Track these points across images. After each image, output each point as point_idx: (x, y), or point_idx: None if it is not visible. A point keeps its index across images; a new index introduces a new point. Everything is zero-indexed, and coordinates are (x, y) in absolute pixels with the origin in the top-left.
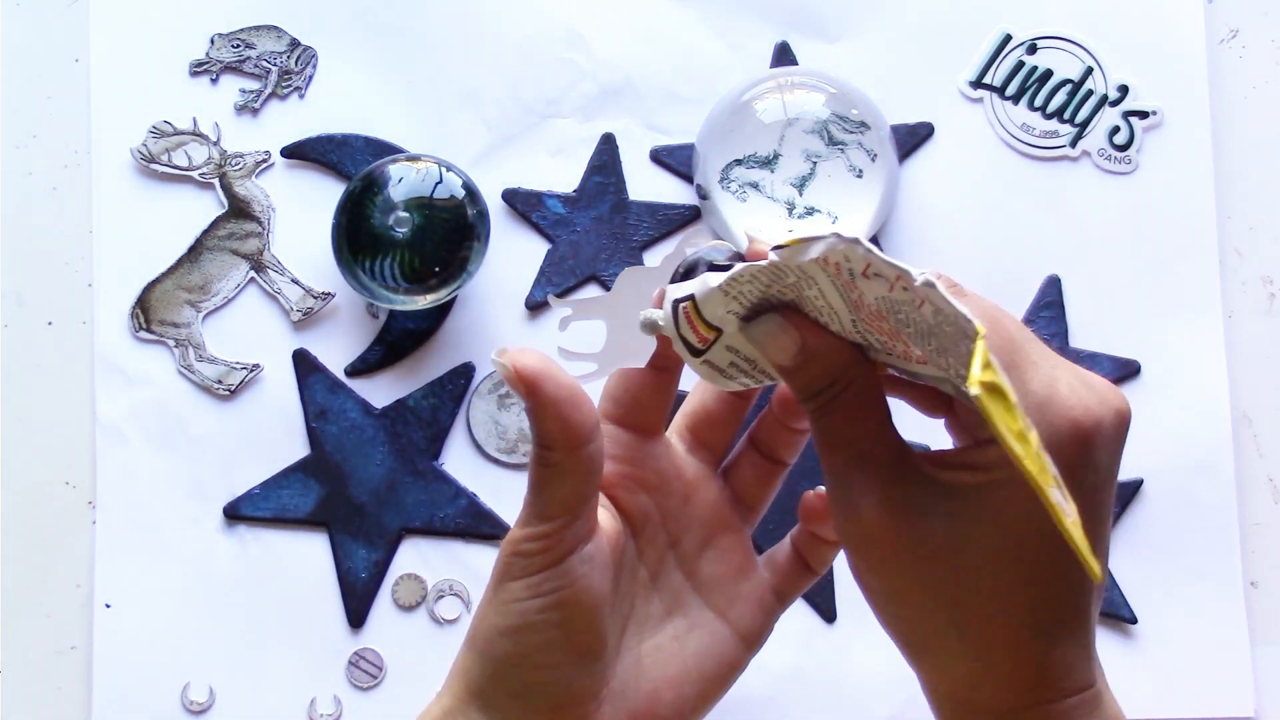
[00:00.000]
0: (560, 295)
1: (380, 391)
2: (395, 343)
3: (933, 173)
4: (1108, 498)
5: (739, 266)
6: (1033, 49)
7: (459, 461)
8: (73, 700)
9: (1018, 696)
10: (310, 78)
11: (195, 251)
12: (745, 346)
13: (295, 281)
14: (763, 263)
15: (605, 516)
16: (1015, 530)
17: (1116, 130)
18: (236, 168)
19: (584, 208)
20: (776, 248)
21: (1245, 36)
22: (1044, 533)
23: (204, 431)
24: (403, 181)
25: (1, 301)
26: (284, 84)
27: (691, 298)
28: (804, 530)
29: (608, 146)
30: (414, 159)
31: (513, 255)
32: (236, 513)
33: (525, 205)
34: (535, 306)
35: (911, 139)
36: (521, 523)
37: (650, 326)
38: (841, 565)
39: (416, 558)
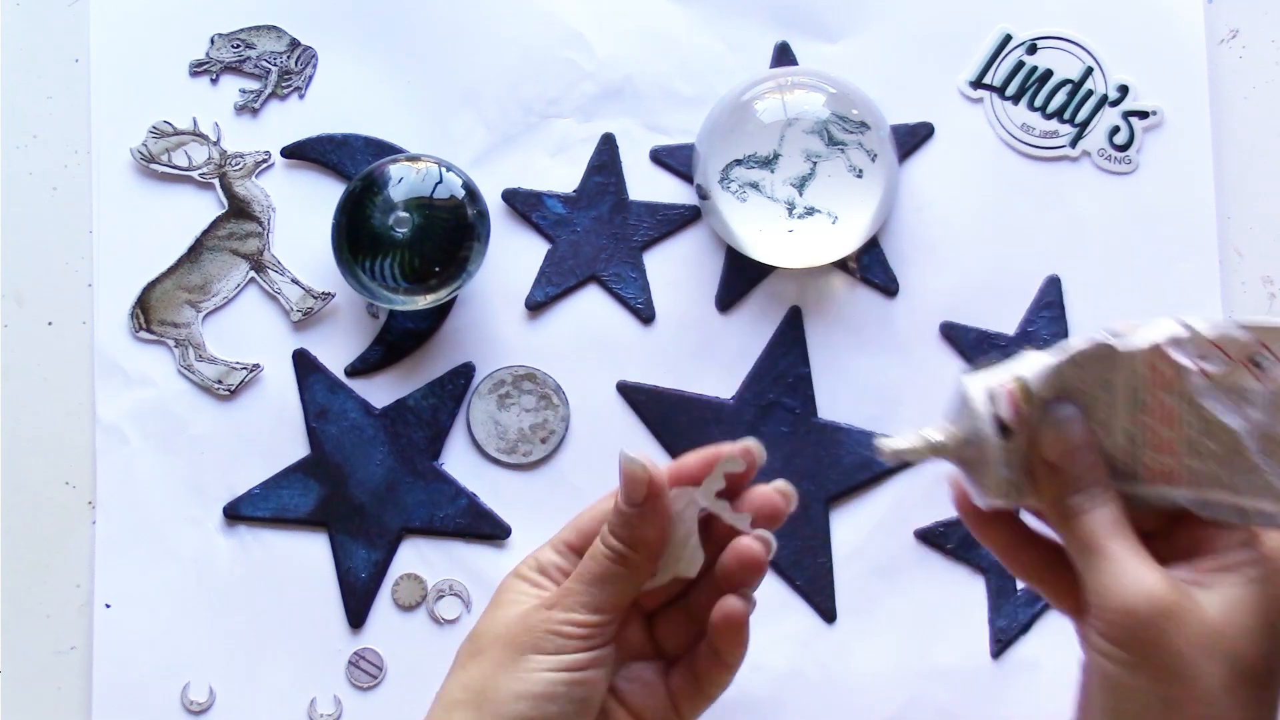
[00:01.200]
0: (551, 297)
1: (380, 391)
2: (395, 343)
3: (933, 173)
4: None
5: (1077, 346)
6: (1033, 49)
7: (459, 461)
8: (73, 700)
9: None
10: (310, 78)
11: (195, 251)
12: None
13: (295, 281)
14: (1098, 345)
15: None
16: None
17: (1116, 130)
18: (236, 168)
19: (584, 208)
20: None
21: (1245, 36)
22: None
23: (204, 431)
24: (403, 181)
25: (1, 301)
26: (284, 84)
27: (1020, 379)
28: (709, 647)
29: (607, 146)
30: (414, 159)
31: (513, 255)
32: (236, 513)
33: (525, 205)
34: (535, 306)
35: (911, 139)
36: (568, 607)
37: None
38: (842, 565)
39: (416, 558)
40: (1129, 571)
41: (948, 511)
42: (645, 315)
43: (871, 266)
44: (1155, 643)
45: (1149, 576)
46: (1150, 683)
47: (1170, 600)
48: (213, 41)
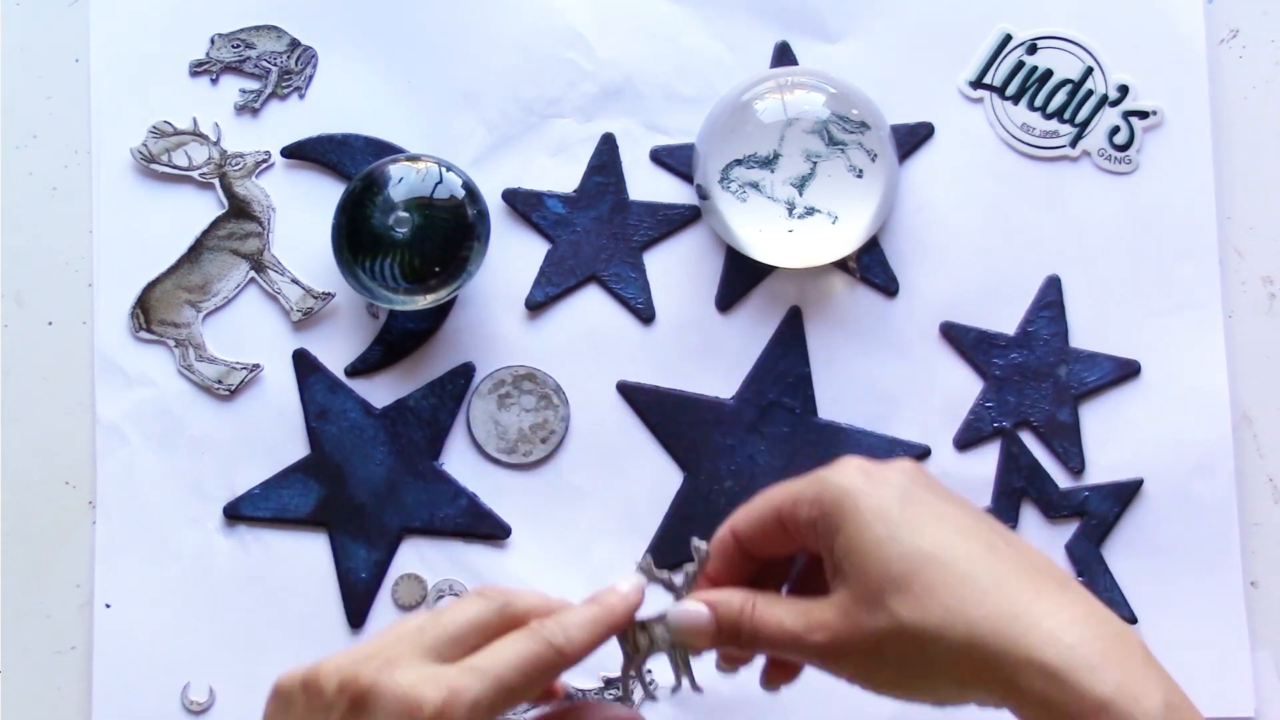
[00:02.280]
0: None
1: (380, 391)
2: (395, 343)
3: (933, 173)
4: None
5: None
6: (1033, 49)
7: (459, 461)
8: (73, 700)
9: None
10: (310, 78)
11: (195, 251)
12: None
13: (295, 281)
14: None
15: None
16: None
17: (1116, 130)
18: (236, 168)
19: (584, 208)
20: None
21: (1245, 36)
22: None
23: (204, 431)
24: (403, 181)
25: (1, 301)
26: (284, 84)
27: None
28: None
29: (607, 146)
30: (414, 159)
31: (513, 255)
32: (236, 513)
33: (525, 205)
34: (535, 306)
35: (911, 139)
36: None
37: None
38: None
39: (416, 558)
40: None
41: None
42: (645, 315)
43: (871, 266)
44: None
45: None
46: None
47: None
48: (213, 41)
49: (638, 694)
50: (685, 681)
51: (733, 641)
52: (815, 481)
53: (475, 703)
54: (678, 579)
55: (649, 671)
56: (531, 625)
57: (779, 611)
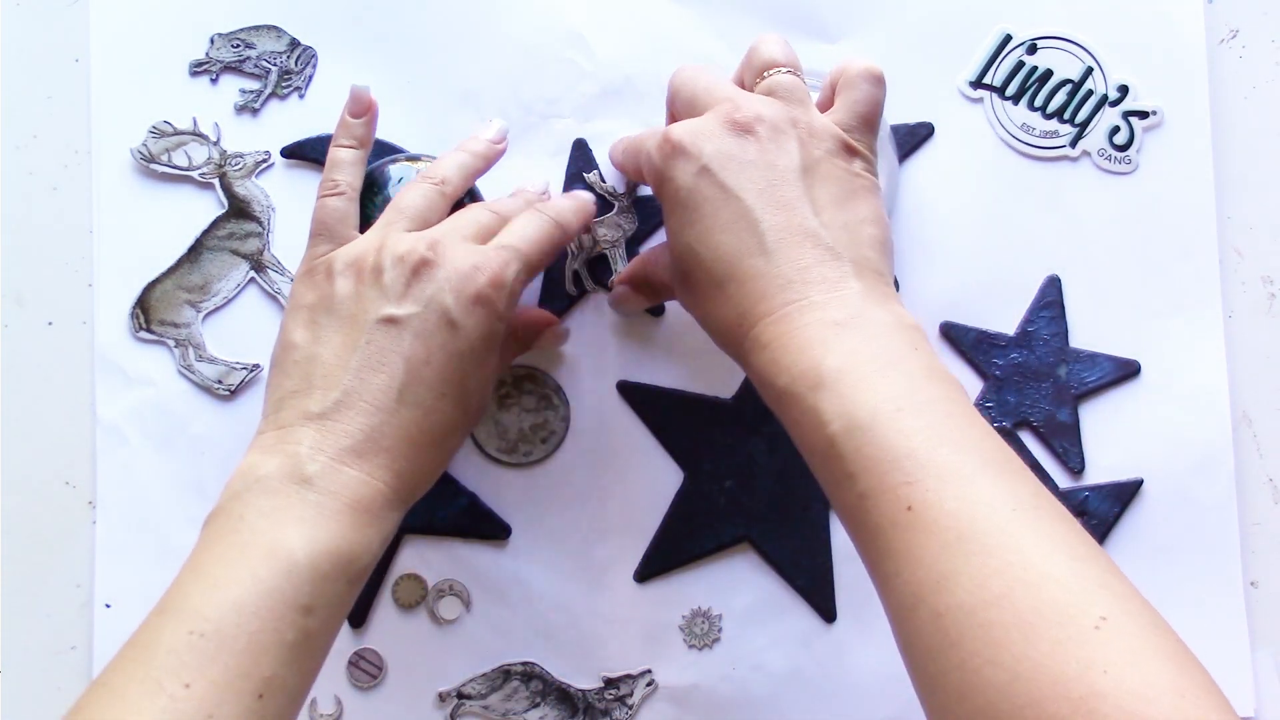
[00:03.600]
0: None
1: None
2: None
3: (933, 173)
4: None
5: None
6: (1033, 49)
7: (459, 461)
8: (73, 700)
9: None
10: (310, 78)
11: (195, 251)
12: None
13: None
14: None
15: None
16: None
17: (1116, 130)
18: (236, 168)
19: None
20: None
21: (1245, 36)
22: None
23: (204, 431)
24: (402, 181)
25: (1, 301)
26: (284, 84)
27: None
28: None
29: (580, 153)
30: (414, 159)
31: None
32: None
33: None
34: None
35: (911, 139)
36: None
37: None
38: (842, 565)
39: (416, 558)
40: None
41: None
42: (654, 310)
43: None
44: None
45: None
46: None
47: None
48: (213, 41)
49: (587, 284)
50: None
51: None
52: (655, 146)
53: (517, 273)
54: (620, 188)
55: (649, 672)
56: (536, 208)
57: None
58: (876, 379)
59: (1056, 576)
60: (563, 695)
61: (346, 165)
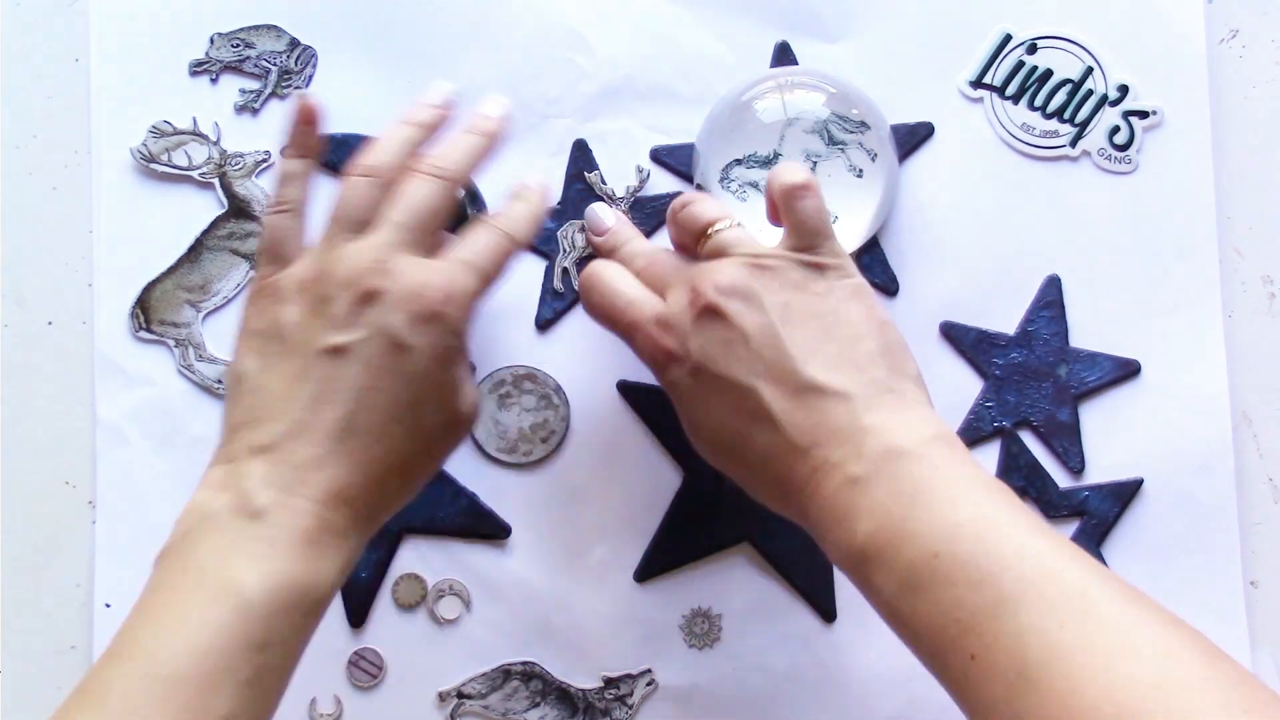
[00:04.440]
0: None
1: None
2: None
3: (933, 173)
4: None
5: None
6: (1033, 49)
7: (459, 461)
8: None
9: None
10: (310, 78)
11: (195, 251)
12: None
13: None
14: None
15: None
16: None
17: (1116, 130)
18: (236, 168)
19: (572, 216)
20: None
21: (1245, 36)
22: None
23: (204, 431)
24: None
25: (1, 301)
26: (284, 84)
27: None
28: None
29: (581, 154)
30: None
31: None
32: None
33: None
34: (545, 324)
35: (911, 139)
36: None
37: None
38: None
39: (416, 558)
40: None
41: None
42: None
43: (871, 266)
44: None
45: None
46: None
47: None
48: (213, 41)
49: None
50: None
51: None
52: (649, 352)
53: (469, 288)
54: (620, 191)
55: (649, 672)
56: (487, 222)
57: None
58: (908, 530)
59: None
60: (563, 695)
61: (294, 178)
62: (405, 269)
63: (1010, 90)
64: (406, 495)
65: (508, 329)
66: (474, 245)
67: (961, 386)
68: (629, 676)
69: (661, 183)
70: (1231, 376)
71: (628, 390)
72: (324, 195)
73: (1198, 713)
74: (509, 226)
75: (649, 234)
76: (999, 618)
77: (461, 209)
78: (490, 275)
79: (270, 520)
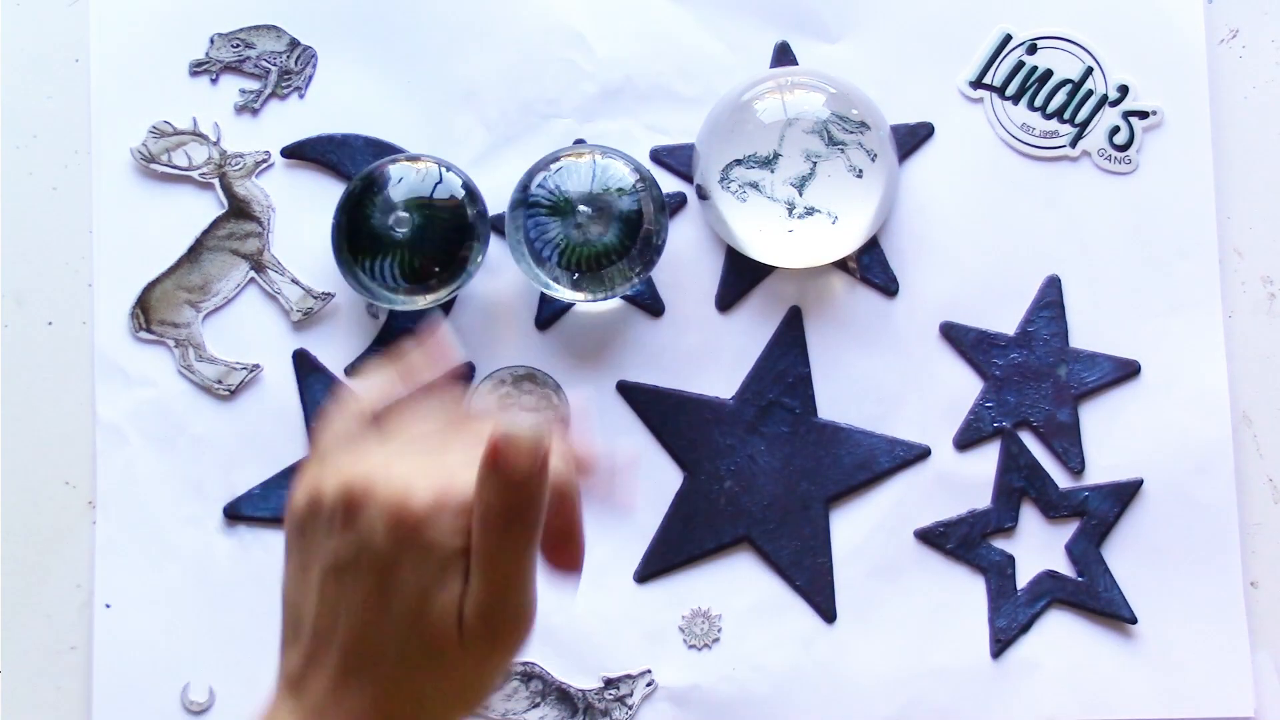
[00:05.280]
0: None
1: None
2: (395, 343)
3: (933, 173)
4: None
5: None
6: (1033, 49)
7: None
8: (73, 700)
9: None
10: (310, 78)
11: (195, 251)
12: None
13: (295, 281)
14: None
15: None
16: None
17: (1116, 130)
18: (236, 168)
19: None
20: None
21: (1245, 36)
22: None
23: (204, 431)
24: (403, 181)
25: (1, 301)
26: (284, 84)
27: None
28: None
29: None
30: (414, 159)
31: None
32: (236, 513)
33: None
34: (545, 324)
35: (911, 139)
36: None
37: None
38: (842, 565)
39: None
40: None
41: (948, 511)
42: (656, 309)
43: (871, 266)
44: None
45: None
46: None
47: None
48: (213, 41)
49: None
50: None
51: None
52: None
53: (461, 504)
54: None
55: (649, 672)
56: (470, 428)
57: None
58: None
59: None
60: (562, 695)
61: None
62: (393, 470)
63: (1010, 90)
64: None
65: (507, 329)
66: (472, 453)
67: (961, 386)
68: (629, 677)
69: (662, 183)
70: (1231, 376)
71: (628, 390)
72: (323, 195)
73: None
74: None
75: None
76: None
77: (461, 209)
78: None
79: None
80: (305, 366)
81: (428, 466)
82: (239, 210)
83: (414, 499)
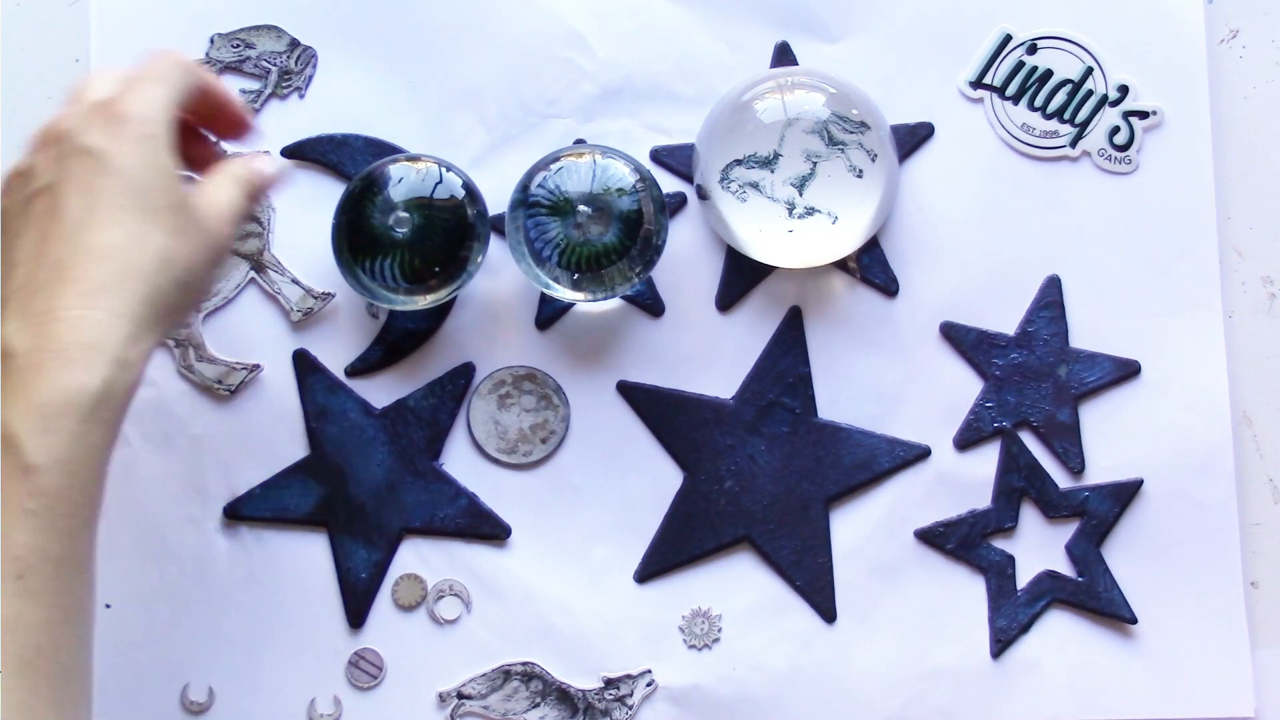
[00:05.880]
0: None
1: (380, 391)
2: (395, 343)
3: (933, 173)
4: None
5: None
6: (1033, 49)
7: (459, 461)
8: None
9: None
10: (310, 78)
11: None
12: None
13: (295, 281)
14: None
15: None
16: None
17: (1116, 130)
18: None
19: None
20: None
21: (1245, 36)
22: None
23: (204, 431)
24: (403, 181)
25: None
26: (284, 84)
27: None
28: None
29: None
30: (414, 159)
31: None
32: (236, 513)
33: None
34: (545, 323)
35: (911, 139)
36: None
37: None
38: (842, 565)
39: (416, 558)
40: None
41: (948, 511)
42: (656, 309)
43: (871, 266)
44: None
45: None
46: None
47: None
48: (213, 41)
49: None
50: None
51: None
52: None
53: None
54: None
55: (649, 672)
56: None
57: None
58: None
59: None
60: (563, 695)
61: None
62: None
63: (1010, 90)
64: (179, 292)
65: (507, 329)
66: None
67: (961, 387)
68: (629, 677)
69: (662, 183)
70: (1231, 376)
71: (628, 390)
72: (323, 195)
73: None
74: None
75: None
76: None
77: (461, 209)
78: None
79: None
80: (305, 366)
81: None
82: None
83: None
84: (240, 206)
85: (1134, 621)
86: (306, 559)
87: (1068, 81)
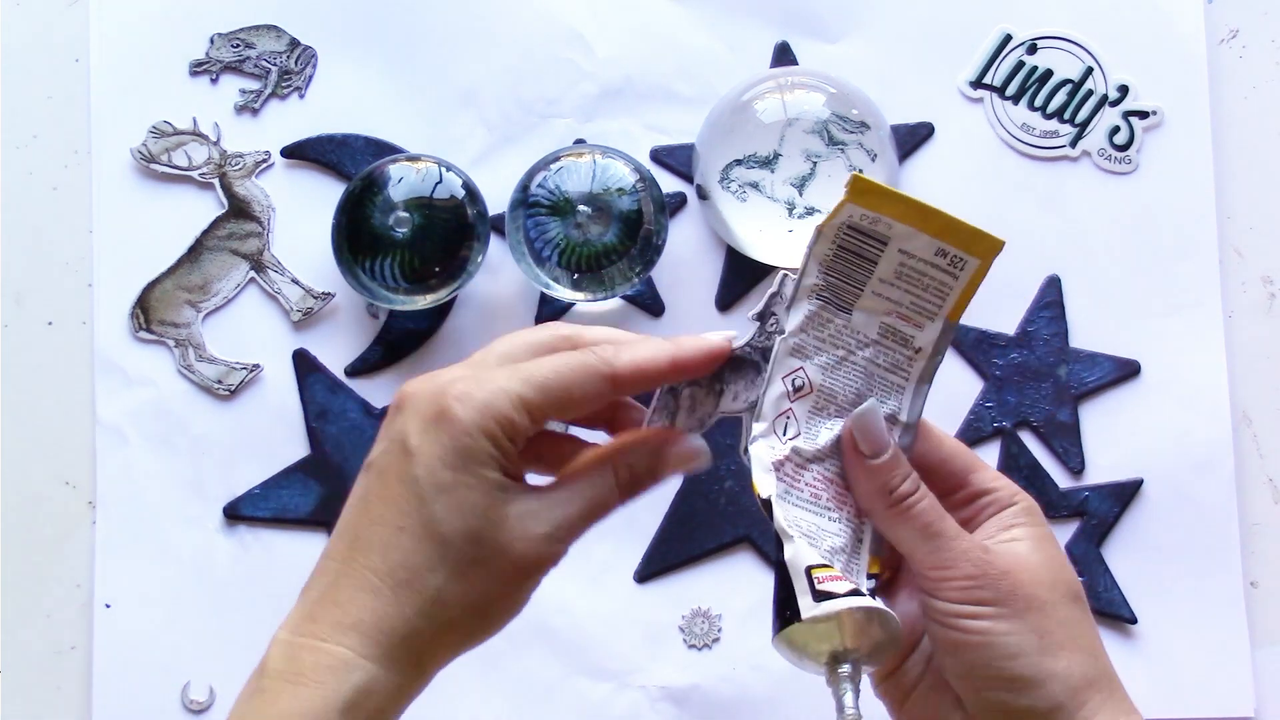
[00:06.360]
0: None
1: (380, 391)
2: (395, 343)
3: (933, 173)
4: None
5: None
6: (1033, 49)
7: None
8: (73, 700)
9: None
10: (310, 78)
11: (195, 251)
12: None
13: (295, 281)
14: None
15: None
16: None
17: (1116, 130)
18: (236, 168)
19: None
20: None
21: (1245, 36)
22: None
23: (204, 431)
24: (403, 181)
25: (1, 301)
26: (284, 84)
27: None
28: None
29: None
30: (414, 159)
31: (511, 255)
32: (236, 513)
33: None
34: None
35: (911, 139)
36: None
37: None
38: None
39: None
40: (967, 543)
41: None
42: (656, 309)
43: None
44: (1015, 590)
45: (979, 544)
46: (1022, 621)
47: (1007, 556)
48: (213, 41)
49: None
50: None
51: None
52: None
53: (510, 395)
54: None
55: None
56: (589, 346)
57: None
58: None
59: None
60: (733, 364)
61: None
62: (440, 375)
63: (1010, 90)
64: (451, 630)
65: (508, 329)
66: (543, 359)
67: (961, 386)
68: (771, 303)
69: (662, 182)
70: (1231, 376)
71: None
72: (323, 195)
73: None
74: (605, 352)
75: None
76: None
77: (461, 209)
78: (548, 386)
79: (269, 671)
80: (305, 366)
81: (475, 371)
82: (239, 210)
83: (448, 389)
84: (576, 527)
85: (1134, 621)
86: (306, 559)
87: (1068, 81)
